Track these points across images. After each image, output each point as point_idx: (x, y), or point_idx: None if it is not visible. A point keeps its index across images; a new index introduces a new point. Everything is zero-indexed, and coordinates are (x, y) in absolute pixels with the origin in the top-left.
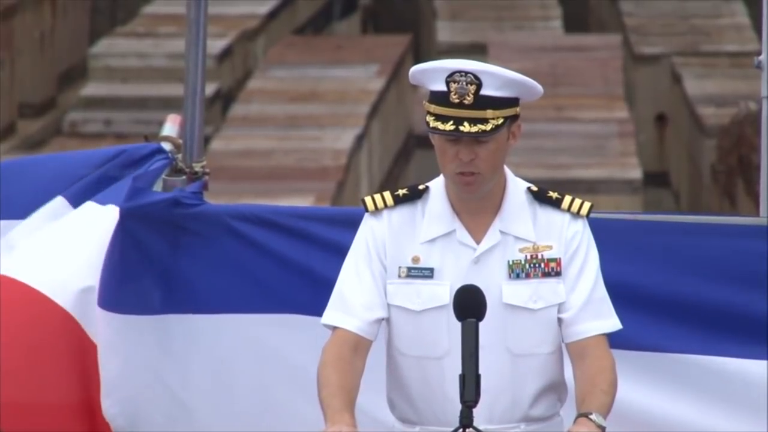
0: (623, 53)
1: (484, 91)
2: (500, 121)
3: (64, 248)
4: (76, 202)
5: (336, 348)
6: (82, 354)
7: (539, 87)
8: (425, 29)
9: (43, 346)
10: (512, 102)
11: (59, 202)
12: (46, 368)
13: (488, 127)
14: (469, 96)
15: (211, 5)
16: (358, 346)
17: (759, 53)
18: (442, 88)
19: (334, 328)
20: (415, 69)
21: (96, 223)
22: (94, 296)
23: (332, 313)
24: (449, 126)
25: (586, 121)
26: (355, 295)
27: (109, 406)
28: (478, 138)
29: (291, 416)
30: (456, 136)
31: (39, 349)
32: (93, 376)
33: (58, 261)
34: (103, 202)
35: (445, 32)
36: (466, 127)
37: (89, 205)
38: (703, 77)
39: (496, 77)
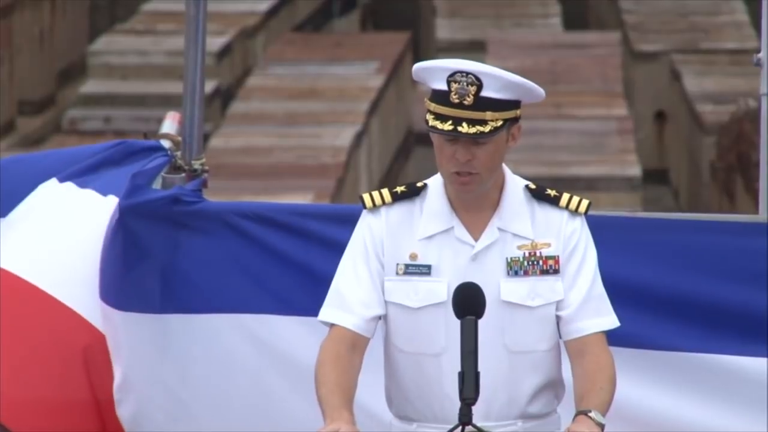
0: (622, 50)
1: (484, 93)
2: (499, 123)
3: (63, 241)
4: (67, 178)
5: (333, 345)
6: (92, 348)
7: (541, 90)
8: (425, 27)
9: (47, 343)
10: (513, 104)
11: (52, 183)
12: (52, 366)
13: (487, 128)
14: (469, 97)
15: (210, 3)
16: (356, 343)
17: (758, 51)
18: (443, 87)
19: (332, 326)
20: (417, 66)
21: (96, 214)
22: (96, 288)
23: (329, 310)
24: (448, 126)
25: (585, 118)
26: (353, 293)
27: (117, 404)
28: (476, 139)
29: (290, 416)
30: (454, 137)
31: (42, 347)
32: (104, 370)
33: (58, 255)
34: (103, 192)
35: (444, 30)
36: (464, 128)
37: (89, 194)
38: (702, 74)
39: (497, 79)
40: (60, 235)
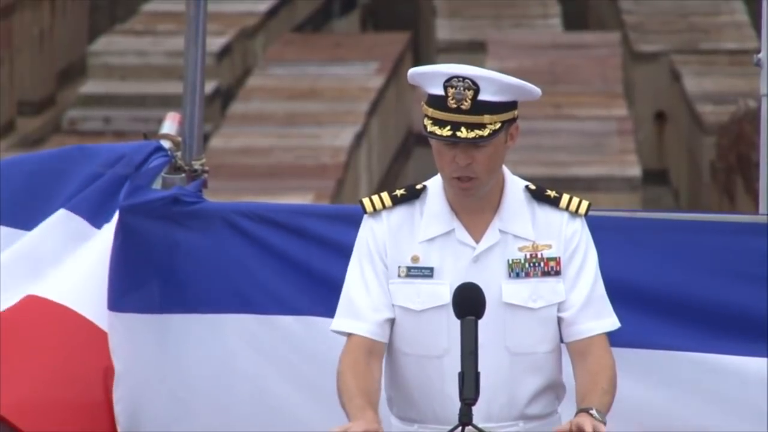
0: (622, 51)
1: (481, 97)
2: (498, 125)
3: (86, 267)
4: (80, 212)
5: (351, 355)
6: (108, 357)
7: (537, 90)
8: (424, 27)
9: (70, 354)
10: (510, 106)
11: (63, 214)
12: (72, 372)
13: (485, 132)
14: (466, 101)
15: (210, 3)
16: (373, 349)
17: (758, 51)
18: (440, 92)
19: (348, 335)
20: (413, 72)
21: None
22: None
23: (342, 320)
24: (446, 131)
25: (585, 118)
26: (363, 299)
27: (114, 404)
28: (475, 143)
29: (289, 415)
30: (453, 142)
31: (64, 356)
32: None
33: (83, 279)
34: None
35: (444, 30)
36: (463, 133)
37: (105, 231)
38: (702, 75)
39: (494, 82)
40: (83, 262)
